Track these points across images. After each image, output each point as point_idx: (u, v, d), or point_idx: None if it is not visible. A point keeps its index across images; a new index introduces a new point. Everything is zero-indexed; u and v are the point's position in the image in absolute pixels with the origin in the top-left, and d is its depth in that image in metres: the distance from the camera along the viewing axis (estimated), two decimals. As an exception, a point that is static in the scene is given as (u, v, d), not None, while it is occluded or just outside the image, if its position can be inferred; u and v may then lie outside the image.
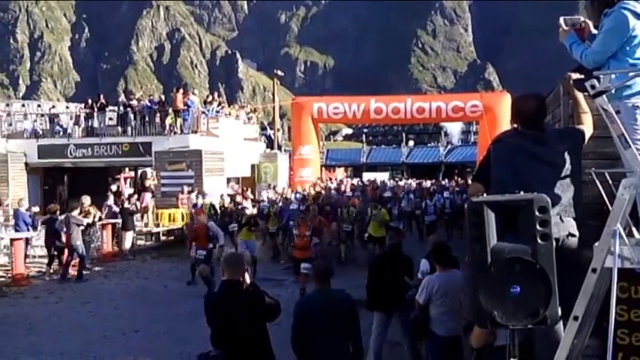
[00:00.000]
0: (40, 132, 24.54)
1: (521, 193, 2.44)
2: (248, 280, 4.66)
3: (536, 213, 2.33)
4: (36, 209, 16.97)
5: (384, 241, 13.97)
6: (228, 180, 24.07)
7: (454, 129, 63.07)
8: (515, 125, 3.42)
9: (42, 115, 26.56)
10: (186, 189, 19.55)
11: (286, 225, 15.58)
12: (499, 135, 3.58)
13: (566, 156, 3.13)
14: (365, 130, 69.86)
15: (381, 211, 14.73)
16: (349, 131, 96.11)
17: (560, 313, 2.35)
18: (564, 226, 3.03)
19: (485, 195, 2.57)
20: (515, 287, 2.28)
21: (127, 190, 26.48)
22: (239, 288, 4.58)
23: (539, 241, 2.32)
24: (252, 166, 27.28)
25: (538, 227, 2.33)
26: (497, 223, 2.36)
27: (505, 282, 2.30)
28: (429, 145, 60.90)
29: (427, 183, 32.73)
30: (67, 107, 32.46)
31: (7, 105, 34.38)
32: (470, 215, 2.39)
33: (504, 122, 25.83)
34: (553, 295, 2.29)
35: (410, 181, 37.07)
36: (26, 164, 23.29)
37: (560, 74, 3.54)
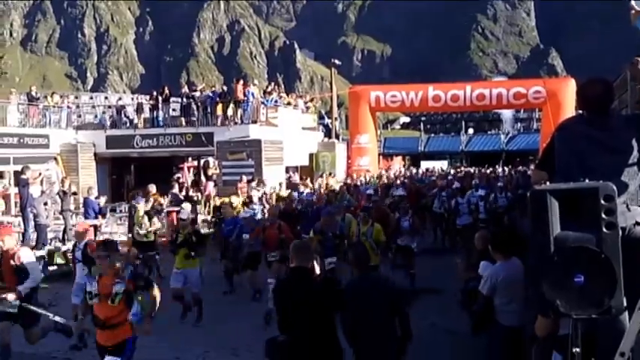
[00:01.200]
0: (108, 123, 25.49)
1: (586, 180, 2.41)
2: (317, 269, 4.72)
3: (602, 201, 2.30)
4: (104, 198, 17.54)
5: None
6: (287, 169, 24.36)
7: (506, 116, 61.58)
8: (581, 111, 3.36)
9: (109, 107, 27.54)
10: (245, 178, 19.90)
11: (236, 242, 10.95)
12: (563, 121, 3.51)
13: (634, 143, 3.05)
14: (423, 118, 69.12)
15: (375, 227, 9.76)
16: (407, 119, 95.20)
17: (625, 303, 2.32)
18: (631, 215, 2.97)
19: (548, 183, 2.54)
20: (579, 276, 2.27)
21: (190, 178, 27.22)
22: (308, 275, 4.60)
23: (604, 230, 2.29)
24: (311, 155, 27.48)
25: (604, 216, 2.30)
26: (560, 212, 2.35)
27: (569, 271, 2.28)
28: (489, 132, 59.61)
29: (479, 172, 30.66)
30: (133, 99, 33.50)
31: (76, 97, 35.74)
32: (532, 203, 2.39)
33: (568, 109, 25.03)
34: (618, 285, 2.26)
35: (451, 171, 34.47)
36: (95, 154, 24.20)
37: (627, 59, 3.45)
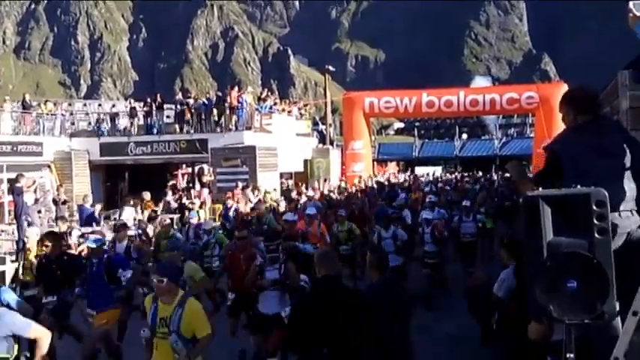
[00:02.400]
0: (103, 132, 25.43)
1: (578, 186, 2.42)
2: None
3: (594, 207, 2.32)
4: (99, 206, 17.45)
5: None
6: (281, 175, 24.36)
7: (489, 120, 62.03)
8: (570, 120, 3.31)
9: (104, 114, 27.48)
10: (240, 184, 19.86)
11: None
12: (557, 137, 3.40)
13: (631, 146, 3.06)
14: (417, 124, 69.28)
15: (187, 308, 4.55)
16: (401, 125, 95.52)
17: (617, 308, 2.34)
18: (635, 220, 2.97)
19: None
20: (571, 282, 2.28)
21: (184, 186, 27.17)
22: (340, 282, 4.38)
23: (596, 235, 2.31)
24: (305, 162, 27.49)
25: (596, 221, 2.32)
26: (553, 218, 2.37)
27: (561, 277, 2.29)
28: (482, 138, 59.83)
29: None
30: (126, 106, 33.53)
31: (70, 105, 35.67)
32: (525, 210, 2.41)
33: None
34: (610, 291, 2.28)
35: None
36: (89, 162, 24.12)
37: (620, 64, 3.47)
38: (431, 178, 31.30)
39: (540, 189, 3.30)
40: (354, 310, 4.12)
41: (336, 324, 4.01)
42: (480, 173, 36.96)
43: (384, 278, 4.89)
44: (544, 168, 3.35)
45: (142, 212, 14.97)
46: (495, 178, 31.87)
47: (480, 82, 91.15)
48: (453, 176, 35.23)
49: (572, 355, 2.37)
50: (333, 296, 4.18)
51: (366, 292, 4.82)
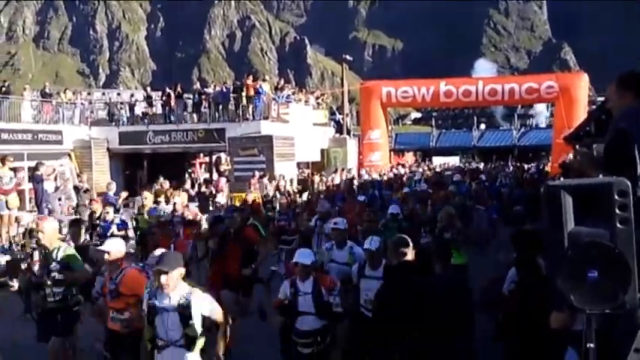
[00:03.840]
0: (125, 119, 25.63)
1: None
2: None
3: (616, 197, 2.31)
4: (124, 194, 17.40)
5: None
6: (299, 165, 24.39)
7: (498, 111, 61.52)
8: (623, 104, 3.16)
9: (122, 103, 27.67)
10: (257, 174, 19.94)
11: None
12: (623, 116, 3.09)
13: None
14: (434, 114, 68.86)
15: None
16: (418, 115, 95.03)
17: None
18: None
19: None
20: (592, 272, 2.28)
21: (202, 174, 27.31)
22: (411, 271, 4.32)
23: (618, 225, 2.29)
24: (322, 151, 27.50)
25: (617, 211, 2.30)
26: (574, 208, 2.36)
27: (582, 266, 2.29)
28: (501, 128, 59.34)
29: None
30: (144, 96, 33.76)
31: (89, 94, 35.92)
32: (546, 200, 2.40)
33: (581, 104, 24.83)
34: (632, 281, 2.27)
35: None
36: (108, 150, 24.37)
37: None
38: (435, 171, 28.06)
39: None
40: (427, 298, 4.03)
41: (417, 312, 3.91)
42: (483, 165, 36.26)
43: (445, 268, 4.83)
44: (613, 148, 3.02)
45: (167, 202, 14.81)
46: (496, 172, 28.15)
47: (484, 66, 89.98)
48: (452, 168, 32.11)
49: (592, 345, 2.37)
50: (406, 284, 4.09)
51: (431, 282, 4.72)
